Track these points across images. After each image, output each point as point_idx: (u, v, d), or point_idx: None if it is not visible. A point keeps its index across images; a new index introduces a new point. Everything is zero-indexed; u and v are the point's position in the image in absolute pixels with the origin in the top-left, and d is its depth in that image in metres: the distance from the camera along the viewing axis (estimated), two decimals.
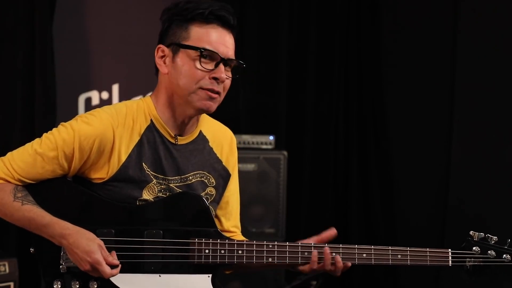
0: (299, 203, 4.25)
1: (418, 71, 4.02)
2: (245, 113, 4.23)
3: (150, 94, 1.85)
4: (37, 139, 1.72)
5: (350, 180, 4.31)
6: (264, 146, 3.86)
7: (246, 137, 3.85)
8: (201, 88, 1.73)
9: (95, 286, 1.70)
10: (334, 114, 4.35)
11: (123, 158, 1.72)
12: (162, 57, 1.78)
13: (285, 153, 3.80)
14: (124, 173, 1.72)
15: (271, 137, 3.88)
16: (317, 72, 4.35)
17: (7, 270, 2.92)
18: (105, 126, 1.71)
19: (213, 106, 1.77)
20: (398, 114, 4.13)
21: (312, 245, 1.78)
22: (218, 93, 1.75)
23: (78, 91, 3.72)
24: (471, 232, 1.82)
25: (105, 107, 1.78)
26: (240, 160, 3.66)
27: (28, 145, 1.72)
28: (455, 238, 3.72)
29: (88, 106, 3.71)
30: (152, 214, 1.74)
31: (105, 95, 3.78)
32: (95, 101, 3.75)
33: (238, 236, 2.02)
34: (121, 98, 3.80)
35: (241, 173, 3.64)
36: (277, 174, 3.77)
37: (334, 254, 1.76)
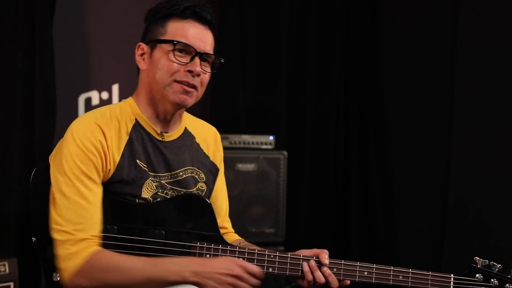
0: (299, 203, 4.25)
1: (418, 71, 4.02)
2: (245, 113, 4.23)
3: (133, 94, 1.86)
4: (63, 187, 1.65)
5: (350, 180, 4.31)
6: (264, 146, 3.86)
7: (246, 137, 3.85)
8: (176, 81, 1.74)
9: None
10: (334, 114, 4.35)
11: (117, 158, 1.72)
12: (141, 54, 1.82)
13: (285, 153, 3.80)
14: (120, 173, 1.72)
15: (271, 137, 3.88)
16: (317, 72, 4.35)
17: (7, 270, 2.92)
18: (95, 129, 1.71)
19: (189, 100, 1.77)
20: (398, 114, 4.13)
21: (314, 259, 1.74)
22: (194, 87, 1.76)
23: (78, 91, 3.72)
24: (475, 258, 1.78)
25: (88, 113, 1.78)
26: (240, 160, 3.70)
27: (61, 201, 1.65)
28: (455, 239, 3.73)
29: (88, 106, 3.71)
30: (156, 214, 1.74)
31: (105, 95, 3.77)
32: (95, 101, 3.75)
33: (230, 233, 2.03)
34: (121, 98, 3.76)
35: (241, 173, 3.69)
36: (277, 174, 3.77)
37: (321, 266, 1.73)
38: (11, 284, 2.94)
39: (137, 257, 1.64)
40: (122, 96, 3.80)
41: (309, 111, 4.34)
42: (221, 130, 3.76)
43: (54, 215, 1.66)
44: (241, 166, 3.70)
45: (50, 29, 3.44)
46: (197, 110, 4.00)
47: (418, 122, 4.02)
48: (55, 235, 1.65)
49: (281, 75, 4.29)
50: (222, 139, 3.75)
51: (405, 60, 4.09)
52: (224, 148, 3.72)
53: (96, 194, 1.68)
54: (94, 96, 3.75)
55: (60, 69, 3.52)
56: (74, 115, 3.64)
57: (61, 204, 1.65)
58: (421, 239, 3.97)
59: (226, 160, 3.60)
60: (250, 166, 3.73)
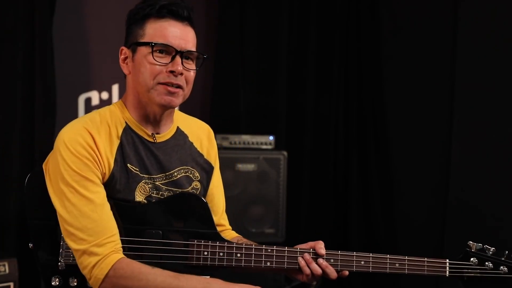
0: (299, 203, 4.25)
1: (418, 71, 4.01)
2: (245, 113, 4.23)
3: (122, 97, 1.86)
4: (69, 196, 1.65)
5: (350, 180, 4.31)
6: (264, 146, 3.86)
7: (246, 137, 3.85)
8: (159, 83, 1.72)
9: None
10: (334, 114, 4.35)
11: (112, 163, 1.71)
12: (124, 59, 1.80)
13: (285, 153, 3.80)
14: (114, 178, 1.71)
15: (271, 137, 3.88)
16: (317, 72, 4.35)
17: (7, 270, 2.92)
18: (85, 134, 1.69)
19: (175, 100, 1.74)
20: (398, 114, 4.13)
21: (311, 251, 1.75)
22: (178, 86, 1.73)
23: (78, 91, 3.72)
24: (469, 243, 1.80)
25: (77, 119, 1.77)
26: (240, 160, 3.70)
27: (69, 210, 1.64)
28: (455, 238, 3.73)
29: (88, 106, 3.71)
30: (153, 214, 1.73)
31: (105, 95, 3.78)
32: (95, 101, 3.75)
33: (228, 231, 2.02)
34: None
35: (241, 173, 3.69)
36: (277, 174, 3.76)
37: (317, 258, 1.74)
38: (11, 284, 2.95)
39: (160, 269, 1.64)
40: (122, 96, 3.80)
41: (309, 111, 4.34)
42: (221, 130, 3.80)
43: (66, 226, 1.65)
44: (241, 166, 3.70)
45: (50, 29, 3.45)
46: (197, 110, 4.02)
47: (418, 122, 4.01)
48: (73, 245, 1.65)
49: (281, 75, 4.29)
50: (222, 139, 3.79)
51: (405, 60, 4.09)
52: (224, 148, 3.77)
53: (101, 194, 1.68)
54: (94, 96, 3.75)
55: (60, 69, 3.52)
56: (74, 115, 3.65)
57: (70, 214, 1.65)
58: (421, 239, 3.96)
59: (226, 160, 3.62)
60: (250, 166, 3.73)
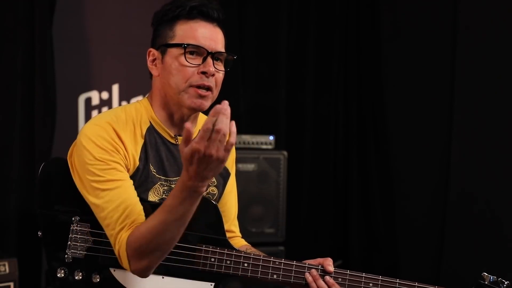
0: (299, 203, 4.25)
1: (417, 71, 4.02)
2: (245, 113, 4.23)
3: (147, 95, 1.85)
4: (97, 185, 1.64)
5: (350, 180, 4.31)
6: (264, 146, 3.86)
7: (246, 137, 3.85)
8: (191, 85, 1.71)
9: (97, 280, 1.70)
10: (334, 114, 4.36)
11: (137, 161, 1.71)
12: (153, 60, 1.78)
13: (285, 153, 3.80)
14: (135, 176, 1.71)
15: (271, 137, 3.88)
16: (316, 72, 4.35)
17: (7, 270, 2.92)
18: (110, 130, 1.69)
19: (205, 103, 1.73)
20: (398, 114, 4.13)
21: (319, 267, 1.73)
22: (209, 88, 1.72)
23: (78, 91, 3.72)
24: (483, 274, 1.76)
25: (102, 114, 1.76)
26: (240, 160, 3.70)
27: (101, 197, 1.64)
28: (455, 238, 3.73)
29: (88, 106, 3.71)
30: None
31: (105, 95, 3.77)
32: (95, 101, 3.75)
33: (237, 238, 2.02)
34: (121, 98, 3.80)
35: (241, 173, 3.68)
36: (277, 174, 3.77)
37: (324, 275, 1.71)
38: (11, 284, 2.95)
39: (152, 217, 1.57)
40: (122, 96, 3.80)
41: (308, 111, 4.34)
42: None
43: (101, 214, 1.64)
44: (241, 166, 3.70)
45: (50, 29, 3.45)
46: None
47: (418, 122, 4.01)
48: (108, 231, 1.64)
49: (281, 75, 4.30)
50: None
51: (404, 60, 4.09)
52: None
53: (128, 179, 1.67)
54: (94, 96, 3.75)
55: (60, 69, 3.52)
56: (74, 115, 3.65)
57: (102, 200, 1.63)
58: (421, 239, 3.97)
59: None
60: (250, 166, 3.73)
